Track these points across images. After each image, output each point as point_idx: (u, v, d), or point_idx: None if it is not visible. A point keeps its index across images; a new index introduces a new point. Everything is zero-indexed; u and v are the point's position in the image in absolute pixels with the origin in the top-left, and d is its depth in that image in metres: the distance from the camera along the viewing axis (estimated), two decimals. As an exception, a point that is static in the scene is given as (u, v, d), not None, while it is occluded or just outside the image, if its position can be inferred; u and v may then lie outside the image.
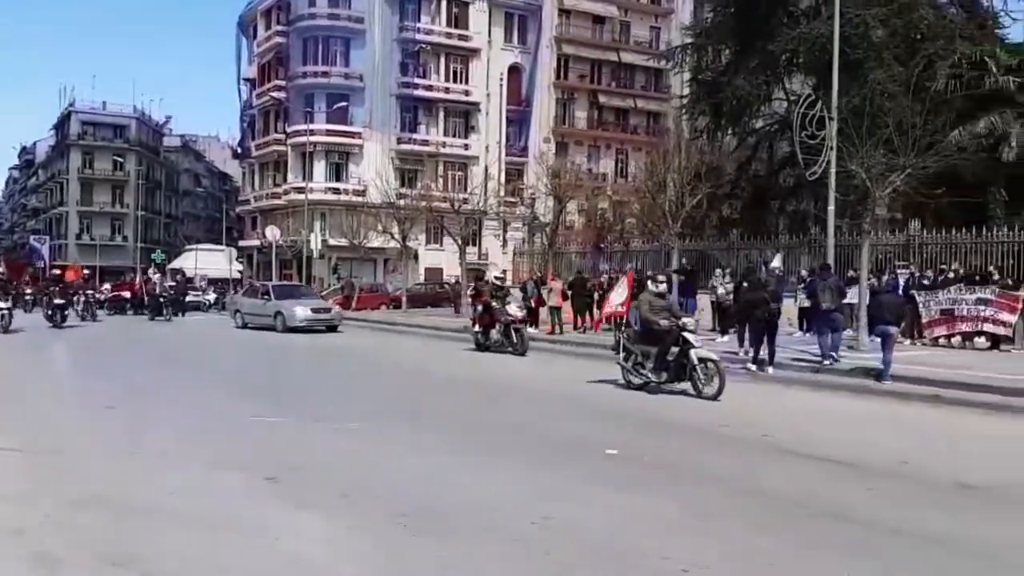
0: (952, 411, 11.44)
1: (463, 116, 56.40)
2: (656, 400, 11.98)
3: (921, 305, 18.46)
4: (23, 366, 16.79)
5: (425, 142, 54.27)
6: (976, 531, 5.82)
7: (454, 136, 55.97)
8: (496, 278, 20.75)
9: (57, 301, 25.91)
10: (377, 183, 40.40)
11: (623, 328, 13.80)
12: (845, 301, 19.20)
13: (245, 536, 5.56)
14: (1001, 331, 17.45)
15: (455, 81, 55.89)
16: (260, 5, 58.43)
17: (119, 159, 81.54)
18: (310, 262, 44.01)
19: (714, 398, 11.69)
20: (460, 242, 32.58)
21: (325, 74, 53.44)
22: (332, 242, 46.64)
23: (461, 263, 33.06)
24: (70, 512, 5.94)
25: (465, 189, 46.24)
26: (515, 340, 18.61)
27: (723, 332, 19.59)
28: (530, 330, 23.04)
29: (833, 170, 17.00)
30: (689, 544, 5.41)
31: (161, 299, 31.38)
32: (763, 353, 15.05)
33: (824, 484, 7.21)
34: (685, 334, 12.24)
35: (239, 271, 53.14)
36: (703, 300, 21.66)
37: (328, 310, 26.87)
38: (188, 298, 35.85)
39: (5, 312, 22.75)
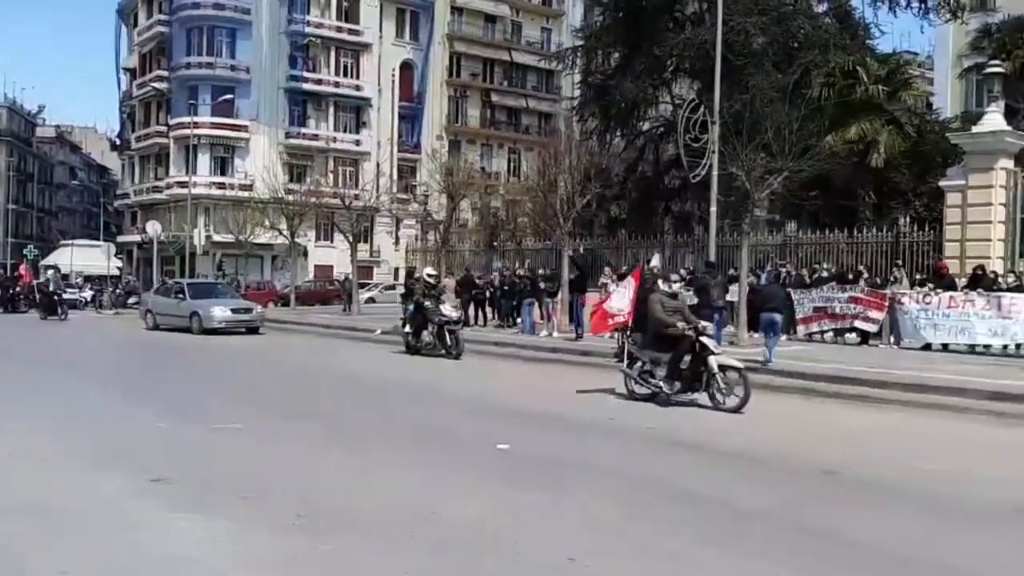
0: (824, 403, 12.08)
1: (354, 111, 55.79)
2: (661, 413, 10.80)
3: (796, 302, 19.33)
4: None
5: (315, 137, 53.46)
6: (842, 515, 6.21)
7: (345, 131, 55.34)
8: (428, 275, 19.34)
9: None
10: (264, 178, 39.57)
11: (628, 332, 12.41)
12: (727, 299, 20.10)
13: (130, 536, 5.45)
14: (870, 327, 18.45)
15: (346, 76, 55.24)
16: (141, -8, 56.39)
17: (-13, 149, 77.20)
18: (194, 259, 42.73)
19: (736, 410, 10.52)
20: (351, 239, 32.22)
21: (210, 65, 51.95)
22: (217, 238, 45.44)
23: (352, 260, 32.71)
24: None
25: (356, 185, 45.72)
26: (449, 342, 17.61)
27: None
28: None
29: (715, 172, 17.64)
30: (584, 538, 5.57)
31: (56, 296, 30.06)
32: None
33: (706, 474, 7.53)
34: (703, 339, 11.12)
35: (118, 268, 51.13)
36: (593, 298, 22.14)
37: (249, 310, 25.15)
38: (64, 296, 34.27)
39: None
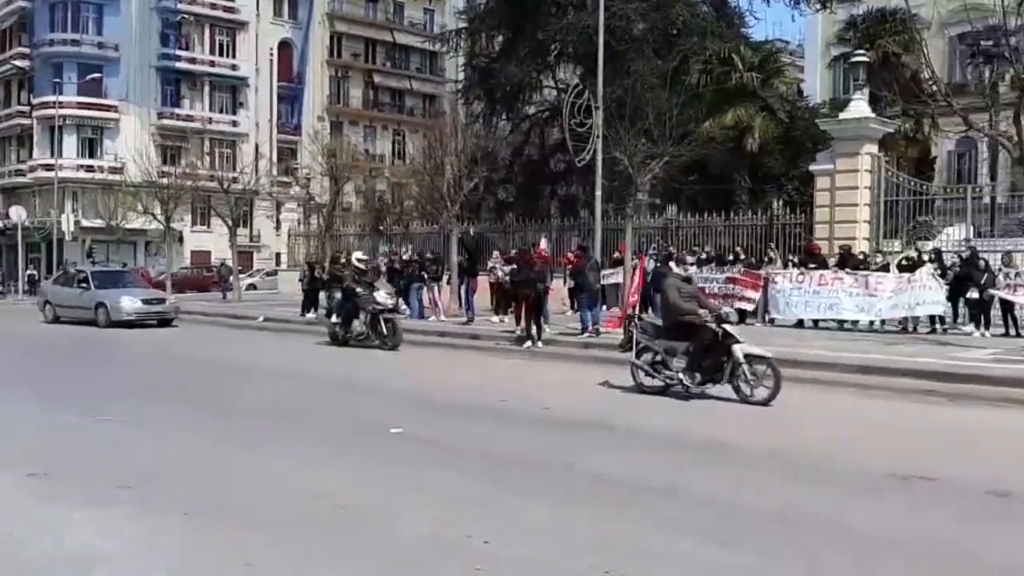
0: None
1: (230, 91, 54.12)
2: (683, 406, 10.11)
3: (678, 283, 19.92)
4: None
5: (189, 117, 51.56)
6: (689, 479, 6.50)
7: (221, 112, 53.64)
8: (359, 260, 18.06)
9: None
10: (136, 160, 37.98)
11: (636, 320, 11.61)
12: (612, 281, 20.59)
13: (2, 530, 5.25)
14: (747, 306, 19.21)
15: (221, 55, 53.50)
16: (-3, -38, 52.96)
17: None
18: (61, 245, 40.68)
19: (765, 403, 9.75)
20: (230, 223, 31.32)
21: (75, 42, 49.34)
22: (86, 223, 43.42)
23: (231, 245, 31.82)
24: None
25: (234, 168, 44.34)
26: (385, 332, 16.30)
27: (502, 312, 20.22)
28: (310, 315, 22.77)
29: (600, 157, 17.96)
30: (492, 522, 5.64)
31: None
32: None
33: (582, 448, 7.73)
34: (725, 326, 10.37)
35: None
36: (482, 281, 22.26)
37: (162, 301, 23.35)
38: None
39: None
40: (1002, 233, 21.62)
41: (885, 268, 17.80)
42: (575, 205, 30.86)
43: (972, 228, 21.11)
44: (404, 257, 23.31)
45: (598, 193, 18.32)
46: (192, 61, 52.22)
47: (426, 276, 21.22)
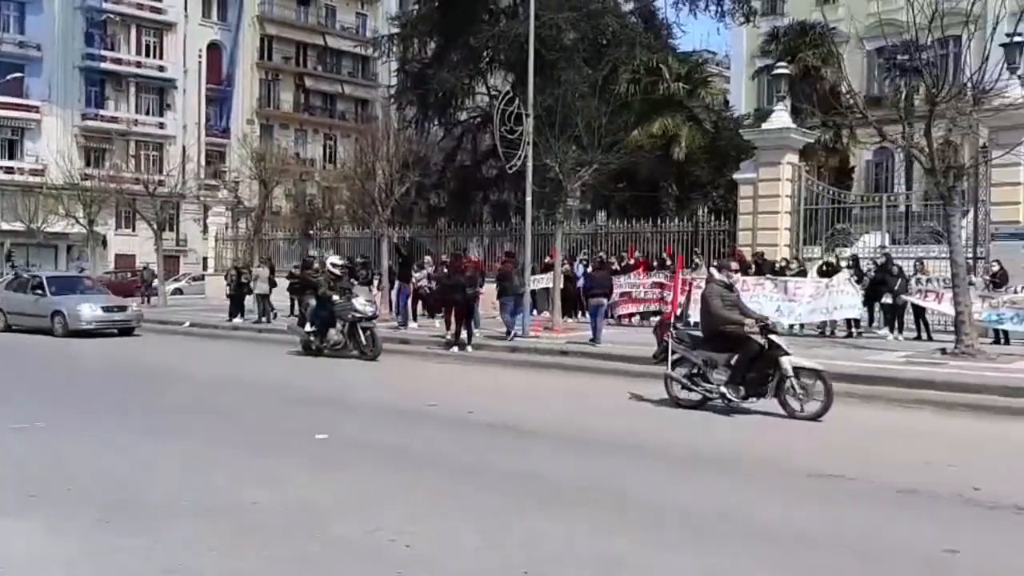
0: (636, 382, 12.79)
1: (157, 93, 52.98)
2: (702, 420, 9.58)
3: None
4: None
5: (115, 119, 50.29)
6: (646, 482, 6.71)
7: (148, 114, 52.48)
8: (334, 265, 17.02)
9: None
10: (59, 162, 37.00)
11: (673, 328, 10.87)
12: (543, 286, 20.86)
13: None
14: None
15: (148, 55, 52.32)
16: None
17: None
18: (-21, 249, 39.38)
19: (815, 418, 9.24)
20: (155, 227, 30.74)
21: (-5, 41, 47.80)
22: (5, 226, 42.12)
23: (157, 249, 31.23)
24: None
25: (161, 171, 43.48)
26: (364, 341, 15.57)
27: (432, 315, 20.34)
28: (237, 320, 22.48)
29: (530, 164, 18.18)
30: (400, 519, 5.74)
31: None
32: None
33: (509, 450, 7.89)
34: (772, 336, 9.73)
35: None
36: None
37: (123, 308, 21.83)
38: None
39: None
40: (916, 240, 22.43)
41: (803, 273, 18.38)
42: (507, 211, 31.05)
43: (888, 235, 21.90)
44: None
45: (528, 199, 18.52)
46: (118, 62, 50.99)
47: (355, 282, 21.13)
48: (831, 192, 22.50)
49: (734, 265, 11.69)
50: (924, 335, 17.00)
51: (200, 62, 53.28)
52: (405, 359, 16.16)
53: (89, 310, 20.87)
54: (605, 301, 17.20)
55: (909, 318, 17.53)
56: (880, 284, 17.37)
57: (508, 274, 17.81)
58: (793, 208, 21.39)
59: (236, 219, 36.08)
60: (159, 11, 52.35)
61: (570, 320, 20.13)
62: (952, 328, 14.46)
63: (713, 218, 23.47)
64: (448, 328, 17.00)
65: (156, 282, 31.75)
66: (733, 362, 9.66)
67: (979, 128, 17.33)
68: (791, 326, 18.11)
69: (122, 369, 15.16)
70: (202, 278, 38.78)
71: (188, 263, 49.62)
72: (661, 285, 19.71)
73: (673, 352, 10.25)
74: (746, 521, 5.73)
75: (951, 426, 8.69)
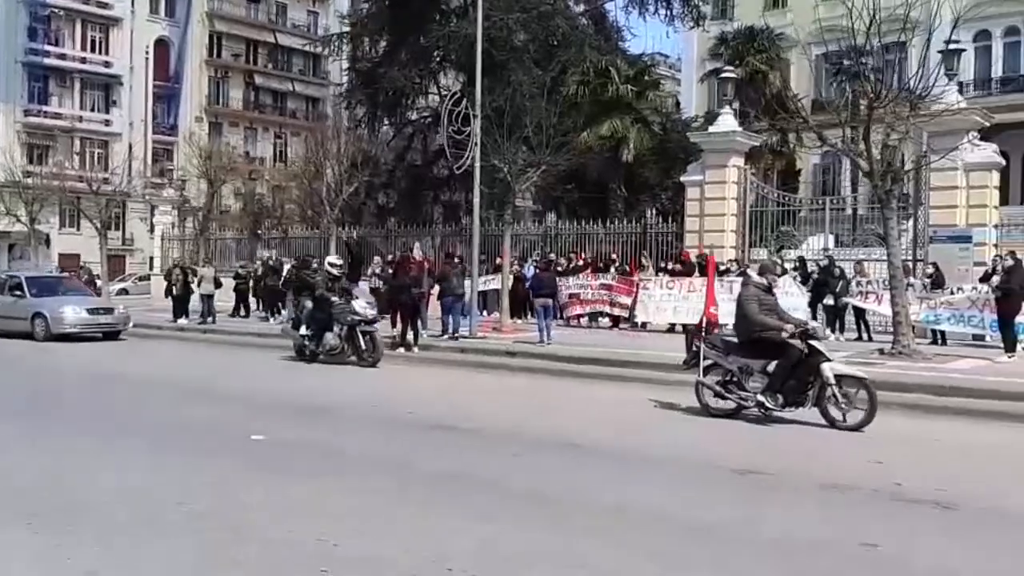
0: (583, 382, 12.89)
1: (103, 89, 51.94)
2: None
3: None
4: None
5: (58, 116, 49.23)
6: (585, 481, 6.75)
7: (93, 111, 51.39)
8: (332, 265, 16.01)
9: None
10: (0, 159, 36.11)
11: (704, 332, 10.45)
12: (492, 287, 20.90)
13: None
14: (620, 312, 19.76)
15: (93, 51, 51.25)
16: None
17: None
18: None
19: (857, 428, 8.82)
20: (99, 226, 30.14)
21: (-68, 34, 46.50)
22: (-57, 225, 40.83)
23: (101, 249, 30.61)
24: None
25: (106, 168, 42.61)
26: (364, 346, 14.72)
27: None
28: (182, 321, 22.14)
29: (478, 164, 18.16)
30: (337, 523, 5.70)
31: None
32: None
33: (469, 453, 7.88)
34: (812, 342, 9.26)
35: None
36: (364, 286, 22.17)
37: (109, 310, 20.55)
38: None
39: None
40: (862, 243, 22.86)
41: (744, 274, 18.59)
42: (458, 211, 31.04)
43: (833, 237, 22.28)
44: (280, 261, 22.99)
45: (476, 200, 18.52)
46: (62, 57, 49.87)
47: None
48: (777, 195, 22.84)
49: (779, 267, 10.96)
50: (865, 336, 17.33)
51: (147, 58, 52.38)
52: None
53: (73, 312, 19.64)
54: (551, 301, 17.30)
55: (851, 319, 17.85)
56: (823, 286, 17.66)
57: (447, 274, 17.87)
58: (739, 210, 21.64)
59: (183, 218, 35.57)
60: (105, 6, 51.33)
61: (519, 321, 20.17)
62: (891, 329, 14.75)
63: (661, 220, 23.69)
64: (393, 328, 16.92)
65: (100, 282, 31.10)
66: (770, 369, 9.25)
67: (920, 133, 17.70)
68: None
69: (103, 376, 14.12)
70: (148, 278, 38.11)
71: (134, 263, 48.74)
72: (609, 286, 19.83)
73: (705, 358, 9.82)
74: (657, 513, 5.80)
75: (882, 424, 8.85)
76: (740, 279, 18.16)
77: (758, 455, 7.79)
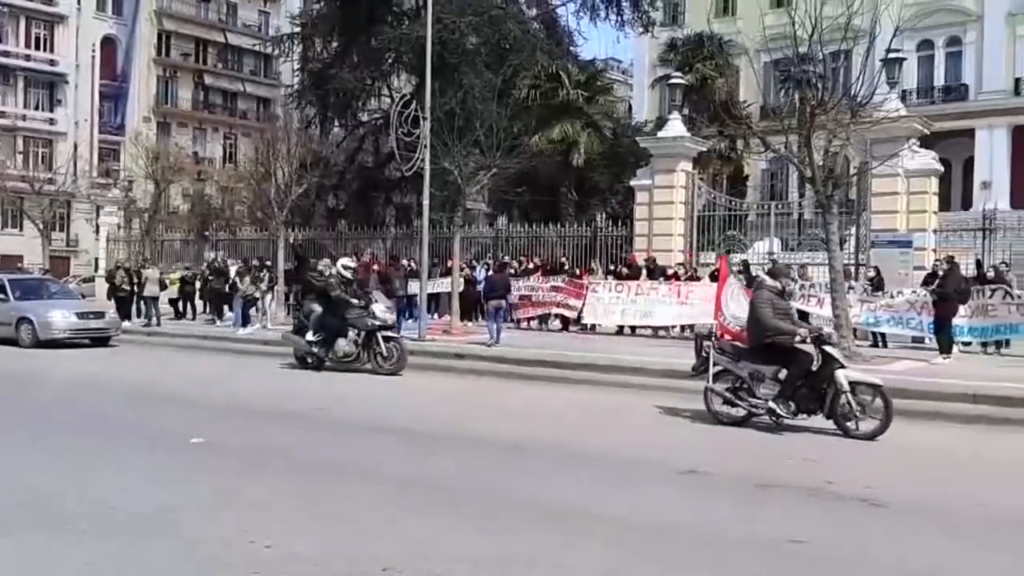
0: (528, 383, 12.93)
1: (48, 87, 50.87)
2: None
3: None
4: None
5: (1, 114, 48.16)
6: (526, 482, 6.78)
7: (37, 109, 50.33)
8: (345, 267, 15.07)
9: None
10: (-61, 157, 35.31)
11: (713, 337, 10.04)
12: (442, 289, 20.87)
13: None
14: (570, 314, 19.87)
15: (38, 48, 50.21)
16: None
17: None
18: None
19: (871, 438, 8.65)
20: (42, 227, 29.54)
21: None
22: None
23: (44, 250, 30.00)
24: None
25: (50, 168, 41.83)
26: (386, 353, 13.90)
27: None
28: (126, 323, 21.74)
29: (427, 167, 18.14)
30: (277, 524, 5.66)
31: None
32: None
33: (391, 453, 7.87)
34: (826, 348, 9.05)
35: None
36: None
37: (100, 315, 19.40)
38: None
39: None
40: (808, 247, 23.26)
41: (695, 279, 18.86)
42: (410, 213, 30.91)
43: (779, 241, 22.66)
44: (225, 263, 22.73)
45: (426, 203, 18.46)
46: (5, 54, 48.77)
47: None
48: (724, 199, 23.14)
49: (793, 272, 10.86)
50: (808, 338, 17.59)
51: (94, 57, 51.40)
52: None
53: (62, 317, 18.46)
54: (504, 303, 17.38)
55: (797, 322, 18.12)
56: (768, 289, 17.91)
57: (389, 276, 17.82)
58: (687, 215, 21.89)
59: (129, 219, 34.98)
60: (50, 3, 50.29)
61: (470, 324, 20.17)
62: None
63: (611, 224, 23.88)
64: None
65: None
66: (782, 376, 9.04)
67: (863, 140, 18.06)
68: (682, 328, 18.57)
69: (95, 385, 13.05)
70: (92, 279, 37.40)
71: (79, 264, 47.77)
72: (559, 289, 19.93)
73: (715, 364, 9.55)
74: (590, 511, 5.86)
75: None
76: (689, 283, 18.60)
77: (702, 454, 7.90)
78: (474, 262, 22.86)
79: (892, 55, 18.84)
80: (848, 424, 8.81)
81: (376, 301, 14.71)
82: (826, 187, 14.40)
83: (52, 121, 50.41)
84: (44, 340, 18.09)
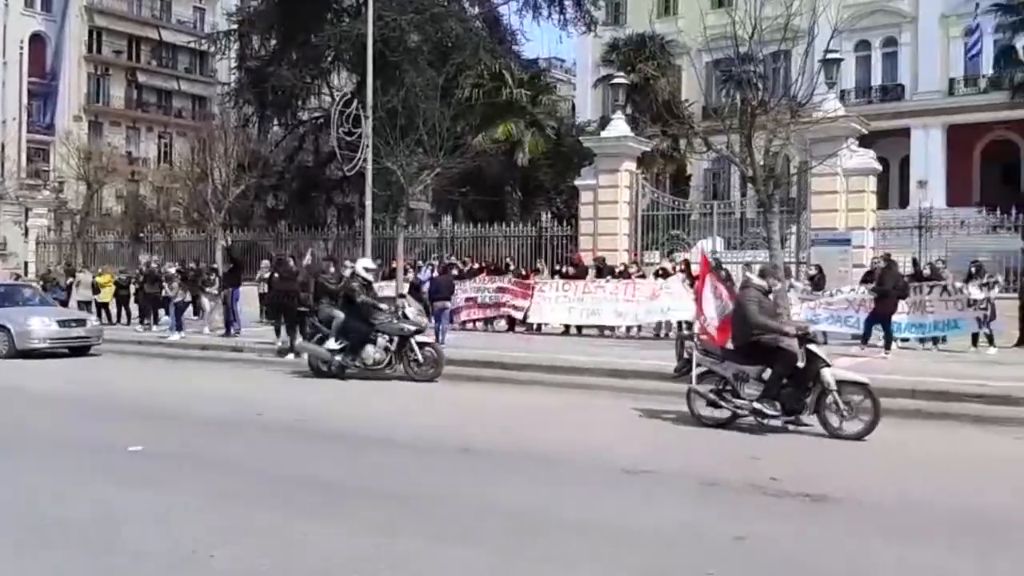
0: (472, 385, 12.76)
1: (-27, 85, 49.19)
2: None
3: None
4: None
5: (-77, 112, 46.46)
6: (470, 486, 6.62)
7: (-39, 107, 48.65)
8: (367, 269, 14.07)
9: None
10: None
11: (696, 337, 9.87)
12: (385, 293, 20.49)
13: None
14: (516, 314, 19.74)
15: (-38, 45, 48.54)
16: None
17: None
18: None
19: (858, 438, 8.49)
20: (-33, 229, 28.47)
21: None
22: None
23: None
24: None
25: (-25, 168, 40.45)
26: (421, 359, 13.13)
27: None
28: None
29: (369, 167, 17.87)
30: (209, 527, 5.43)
31: None
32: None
33: (351, 458, 7.64)
34: (811, 347, 8.94)
35: None
36: (251, 292, 21.50)
37: (82, 323, 18.05)
38: None
39: None
40: (751, 245, 23.50)
41: (642, 277, 18.89)
42: (352, 214, 30.54)
43: (722, 240, 22.83)
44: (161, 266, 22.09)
45: (368, 202, 18.20)
46: (-74, 50, 47.12)
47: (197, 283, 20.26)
48: (668, 199, 23.26)
49: (779, 272, 10.75)
50: (751, 336, 17.72)
51: (21, 54, 49.77)
52: (236, 368, 15.50)
53: (42, 325, 17.10)
54: (449, 304, 17.19)
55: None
56: (711, 287, 18.01)
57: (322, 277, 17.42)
58: (632, 214, 21.97)
59: (60, 221, 33.97)
60: (-26, -2, 48.66)
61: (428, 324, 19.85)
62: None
63: (556, 223, 23.84)
64: (278, 336, 16.43)
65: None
66: (766, 376, 8.89)
67: (803, 139, 18.26)
68: (628, 328, 18.59)
69: (103, 408, 11.22)
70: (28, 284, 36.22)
71: (7, 268, 46.20)
72: (504, 290, 19.78)
73: (698, 365, 9.36)
74: (529, 510, 5.73)
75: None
76: (636, 281, 18.61)
77: (647, 449, 7.82)
78: (419, 263, 22.58)
79: (830, 56, 19.11)
80: (834, 424, 8.66)
81: (409, 305, 14.18)
82: (767, 186, 14.52)
83: (-23, 120, 48.74)
84: (22, 349, 16.76)
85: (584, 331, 19.07)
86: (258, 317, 21.01)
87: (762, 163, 14.65)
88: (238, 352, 16.99)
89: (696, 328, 10.66)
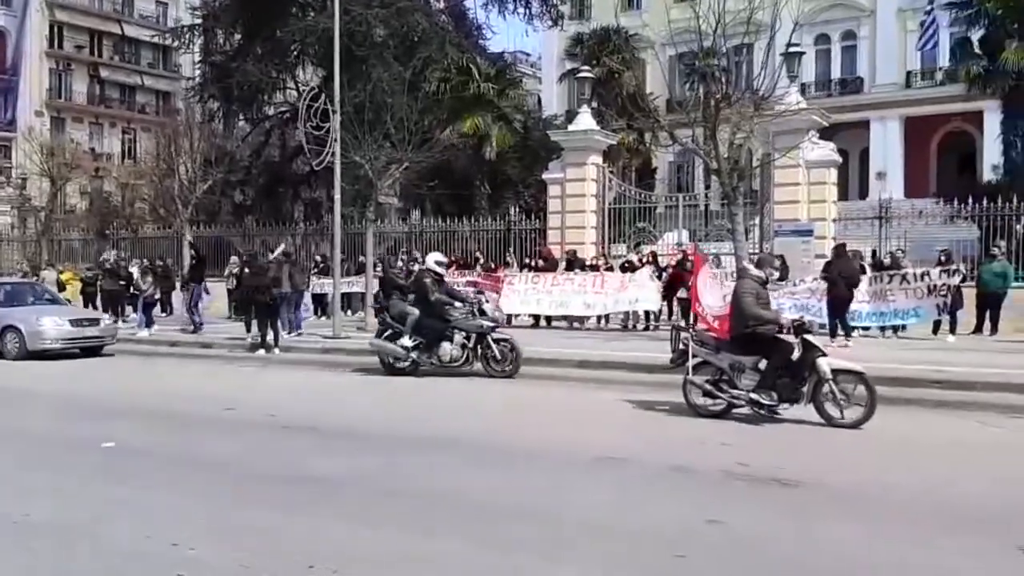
0: (446, 379, 12.88)
1: (-70, 81, 48.37)
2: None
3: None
4: None
5: None
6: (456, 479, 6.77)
7: (-81, 103, 47.82)
8: (438, 263, 13.63)
9: None
10: None
11: (691, 329, 9.84)
12: (356, 289, 20.64)
13: None
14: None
15: (-82, 39, 47.68)
16: None
17: None
18: None
19: (855, 426, 8.53)
20: (-73, 227, 28.07)
21: None
22: None
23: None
24: None
25: (-65, 166, 39.78)
26: (500, 356, 12.80)
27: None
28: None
29: (338, 161, 17.88)
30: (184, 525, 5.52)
31: None
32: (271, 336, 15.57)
33: (312, 452, 7.75)
34: (807, 337, 8.98)
35: None
36: (218, 288, 21.48)
37: (95, 322, 17.37)
38: None
39: None
40: (716, 237, 23.82)
41: (610, 269, 19.12)
42: (320, 208, 30.46)
43: (687, 232, 23.12)
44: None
45: (337, 197, 18.19)
46: None
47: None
48: (635, 192, 23.50)
49: (776, 262, 10.64)
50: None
51: (-19, 48, 49.04)
52: (206, 363, 15.51)
53: (54, 325, 16.46)
54: None
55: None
56: (677, 279, 18.29)
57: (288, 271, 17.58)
58: (599, 207, 22.17)
59: (23, 219, 33.57)
60: (-69, -9, 47.80)
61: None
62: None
63: (525, 217, 24.00)
64: (248, 331, 16.45)
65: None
66: (763, 366, 8.91)
67: (766, 132, 18.57)
68: (598, 318, 18.82)
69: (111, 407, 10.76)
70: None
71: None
72: (475, 283, 19.90)
73: (694, 356, 9.32)
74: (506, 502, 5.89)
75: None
76: (605, 273, 18.81)
77: (618, 439, 8.00)
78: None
79: (792, 49, 19.40)
80: (830, 413, 8.71)
81: (488, 301, 13.95)
82: (731, 179, 14.79)
83: (-63, 116, 47.96)
84: (34, 350, 16.19)
85: (553, 323, 19.26)
86: (227, 313, 20.99)
87: (726, 156, 14.91)
88: (207, 348, 16.97)
89: (697, 318, 10.77)
